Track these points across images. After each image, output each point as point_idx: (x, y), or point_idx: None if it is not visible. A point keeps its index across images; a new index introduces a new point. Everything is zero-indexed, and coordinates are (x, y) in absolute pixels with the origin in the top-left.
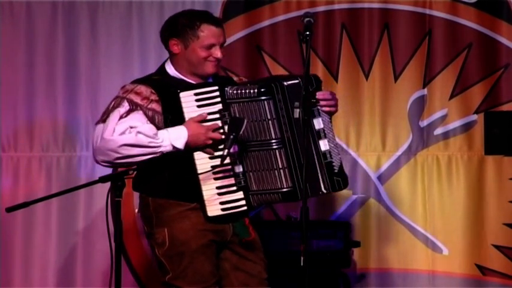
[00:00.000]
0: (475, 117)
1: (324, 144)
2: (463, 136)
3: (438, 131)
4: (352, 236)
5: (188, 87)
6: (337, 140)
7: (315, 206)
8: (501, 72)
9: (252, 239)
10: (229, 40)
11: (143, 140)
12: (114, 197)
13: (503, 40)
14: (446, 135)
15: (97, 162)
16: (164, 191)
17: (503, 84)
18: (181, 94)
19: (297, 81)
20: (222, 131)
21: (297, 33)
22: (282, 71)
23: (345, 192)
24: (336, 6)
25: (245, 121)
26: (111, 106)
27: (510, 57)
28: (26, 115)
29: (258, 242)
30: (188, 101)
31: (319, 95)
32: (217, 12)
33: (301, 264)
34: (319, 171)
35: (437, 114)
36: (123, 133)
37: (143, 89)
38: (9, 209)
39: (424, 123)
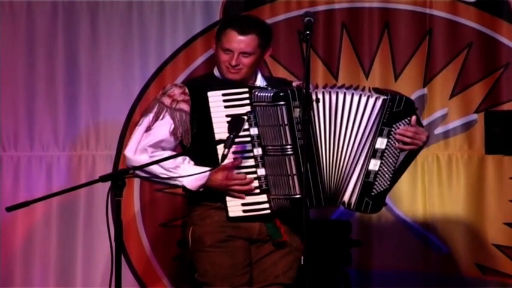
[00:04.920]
0: (475, 116)
1: (373, 164)
2: (463, 135)
3: (438, 130)
4: (352, 235)
5: (217, 87)
6: None
7: None
8: (501, 72)
9: (283, 240)
10: None
11: (157, 170)
12: (114, 197)
13: (504, 39)
14: (446, 135)
15: None
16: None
17: (504, 84)
18: (209, 93)
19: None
20: (247, 170)
21: (297, 33)
22: (282, 71)
23: None
24: (336, 6)
25: (245, 120)
26: (147, 109)
27: (510, 57)
28: (26, 115)
29: (290, 245)
30: (216, 101)
31: (400, 129)
32: (217, 12)
33: (302, 263)
34: (353, 185)
35: (438, 114)
36: (143, 151)
37: (176, 91)
38: (9, 209)
39: (424, 122)
